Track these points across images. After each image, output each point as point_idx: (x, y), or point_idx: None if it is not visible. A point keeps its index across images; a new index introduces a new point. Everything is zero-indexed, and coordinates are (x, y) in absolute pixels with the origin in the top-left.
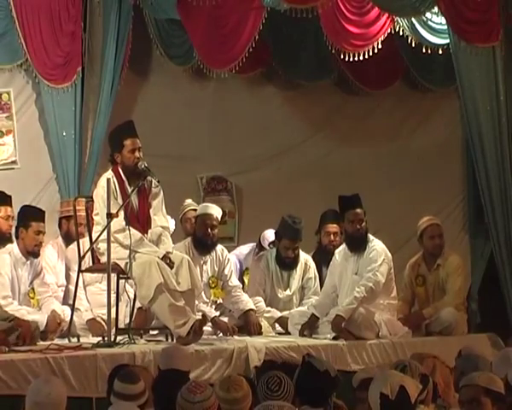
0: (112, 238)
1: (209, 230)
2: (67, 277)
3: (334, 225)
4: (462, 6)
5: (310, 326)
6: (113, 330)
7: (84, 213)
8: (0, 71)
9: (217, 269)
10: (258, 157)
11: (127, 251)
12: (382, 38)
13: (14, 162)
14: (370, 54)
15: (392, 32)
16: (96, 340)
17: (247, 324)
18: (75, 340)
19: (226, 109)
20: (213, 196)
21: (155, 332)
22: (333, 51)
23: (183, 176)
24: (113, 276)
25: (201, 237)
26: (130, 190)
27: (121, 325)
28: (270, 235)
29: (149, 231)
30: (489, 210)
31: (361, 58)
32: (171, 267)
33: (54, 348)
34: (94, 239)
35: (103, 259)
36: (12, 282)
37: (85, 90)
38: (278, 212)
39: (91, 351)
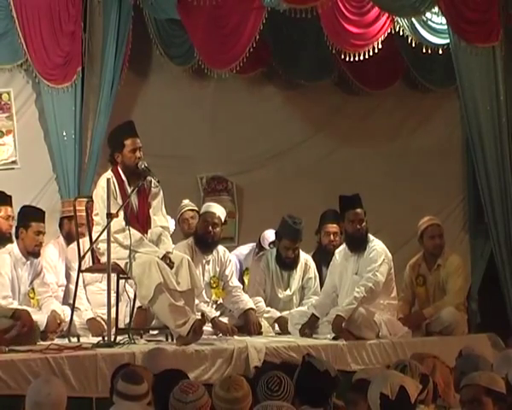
0: (112, 238)
1: (210, 227)
2: (68, 276)
3: (334, 225)
4: (462, 6)
5: (310, 326)
6: (113, 330)
7: (84, 214)
8: (0, 71)
9: (218, 269)
10: (259, 157)
11: (127, 251)
12: (382, 38)
13: (14, 162)
14: (371, 54)
15: (393, 32)
16: (96, 340)
17: (246, 323)
18: (75, 340)
19: (226, 109)
20: (213, 197)
21: (155, 332)
22: (333, 51)
23: (183, 176)
24: (113, 276)
25: (202, 235)
26: (129, 190)
27: (121, 325)
28: (269, 235)
29: (149, 231)
30: (489, 210)
31: (361, 58)
32: (171, 267)
33: (54, 348)
34: (94, 239)
35: (103, 259)
36: (12, 282)
37: (85, 90)
38: (278, 212)
39: (91, 351)
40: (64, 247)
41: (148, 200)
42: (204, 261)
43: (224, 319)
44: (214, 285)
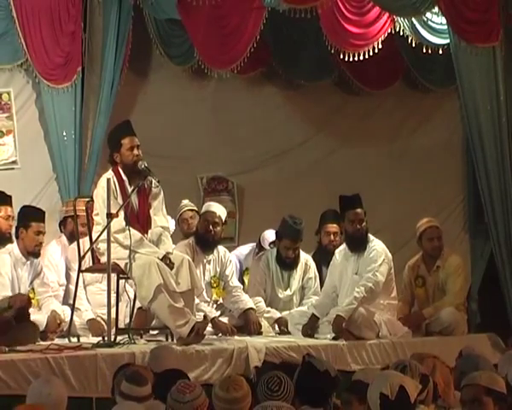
0: (112, 238)
1: (211, 227)
2: (68, 277)
3: (334, 225)
4: (462, 6)
5: (310, 326)
6: (113, 330)
7: (82, 214)
8: (0, 71)
9: (219, 269)
10: (259, 157)
11: (127, 251)
12: (382, 37)
13: (14, 162)
14: (371, 54)
15: (393, 32)
16: (96, 340)
17: (246, 323)
18: (75, 340)
19: (226, 109)
20: (214, 197)
21: (155, 332)
22: (333, 51)
23: (184, 176)
24: (113, 276)
25: (203, 235)
26: (130, 190)
27: (121, 325)
28: (269, 235)
29: (149, 231)
30: (489, 210)
31: (361, 58)
32: (172, 268)
33: (54, 348)
34: (94, 239)
35: (103, 259)
36: (12, 282)
37: (85, 90)
38: (279, 212)
39: (91, 351)
40: (66, 246)
41: (148, 200)
42: (205, 261)
43: (224, 319)
44: (215, 285)
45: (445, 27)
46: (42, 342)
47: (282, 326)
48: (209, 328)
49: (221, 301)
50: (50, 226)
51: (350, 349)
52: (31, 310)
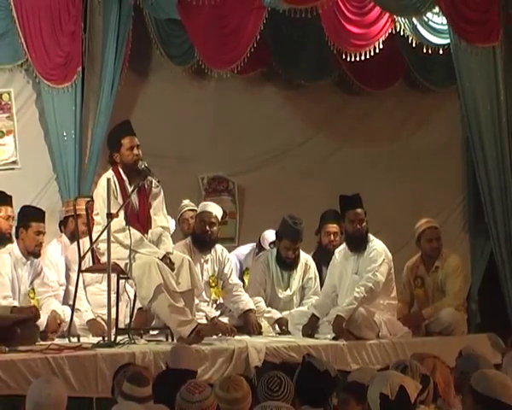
0: (112, 238)
1: (207, 227)
2: (67, 277)
3: (334, 225)
4: (463, 6)
5: (310, 326)
6: (114, 331)
7: (84, 213)
8: (0, 71)
9: (217, 269)
10: (259, 157)
11: (127, 251)
12: (383, 38)
13: (14, 162)
14: (371, 54)
15: (393, 32)
16: (96, 340)
17: (246, 324)
18: (75, 340)
19: (226, 109)
20: (214, 197)
21: (155, 332)
22: (334, 51)
23: (184, 176)
24: (113, 276)
25: (200, 235)
26: (130, 189)
27: (121, 325)
28: (269, 235)
29: (150, 231)
30: (489, 210)
31: (362, 58)
32: (172, 268)
33: (54, 348)
34: (94, 239)
35: (103, 259)
36: (12, 282)
37: (85, 90)
38: (279, 212)
39: (91, 351)
40: (67, 246)
41: (148, 200)
42: (202, 261)
43: (224, 319)
44: (213, 284)
45: (446, 27)
46: (42, 342)
47: (282, 326)
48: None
49: (221, 300)
50: (50, 226)
51: (350, 349)
52: None
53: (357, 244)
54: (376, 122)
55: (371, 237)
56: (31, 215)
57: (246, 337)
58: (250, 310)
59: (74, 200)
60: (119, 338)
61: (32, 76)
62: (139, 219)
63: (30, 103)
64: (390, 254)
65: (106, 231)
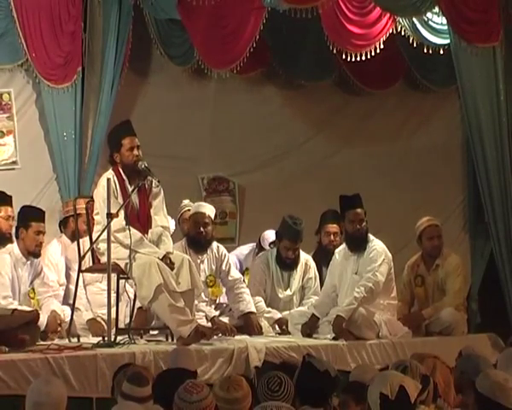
0: (112, 238)
1: (201, 228)
2: (68, 276)
3: (334, 225)
4: (463, 6)
5: (310, 326)
6: (113, 330)
7: (84, 212)
8: (0, 71)
9: (214, 267)
10: (259, 158)
11: (127, 251)
12: (384, 38)
13: (14, 163)
14: (372, 54)
15: (394, 32)
16: (96, 340)
17: (247, 326)
18: (75, 340)
19: (227, 109)
20: (215, 197)
21: (155, 332)
22: (334, 52)
23: (185, 176)
24: (113, 276)
25: (194, 236)
26: (130, 189)
27: (121, 325)
28: (269, 235)
29: (150, 230)
30: (489, 210)
31: (363, 58)
32: (172, 268)
33: (54, 348)
34: (94, 239)
35: (103, 259)
36: (12, 282)
37: (85, 90)
38: (279, 212)
39: (91, 351)
40: (67, 245)
41: (148, 199)
42: (199, 261)
43: (225, 319)
44: (211, 284)
45: (446, 27)
46: (42, 342)
47: (282, 327)
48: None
49: (221, 300)
50: (50, 226)
51: (350, 349)
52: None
53: (357, 244)
54: (376, 122)
55: (371, 237)
56: (31, 215)
57: (246, 337)
58: (250, 313)
59: (74, 200)
60: (119, 338)
61: (32, 76)
62: (139, 219)
63: (30, 103)
64: (390, 254)
65: (106, 231)
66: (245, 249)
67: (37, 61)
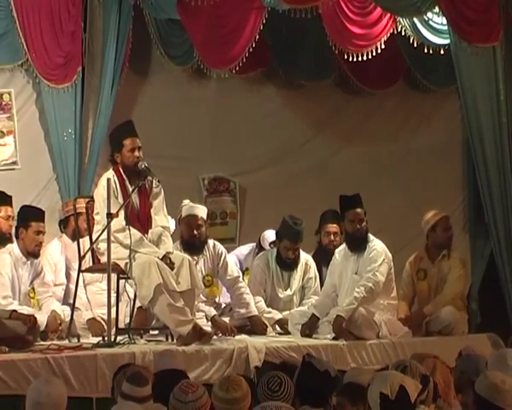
0: (112, 238)
1: (195, 231)
2: (68, 276)
3: (334, 225)
4: (463, 6)
5: (310, 326)
6: (113, 330)
7: (84, 211)
8: (1, 71)
9: (211, 266)
10: (260, 158)
11: (127, 251)
12: (385, 38)
13: (14, 163)
14: (374, 54)
15: (394, 32)
16: (96, 340)
17: (253, 328)
18: (75, 340)
19: (227, 109)
20: (215, 197)
21: (155, 332)
22: (336, 52)
23: (185, 177)
24: (113, 276)
25: (188, 239)
26: (131, 189)
27: (121, 325)
28: (270, 235)
29: (150, 230)
30: (489, 210)
31: (364, 58)
32: (172, 268)
33: (54, 348)
34: (94, 239)
35: (103, 259)
36: (12, 282)
37: (85, 90)
38: (280, 212)
39: (91, 351)
40: (67, 245)
41: (149, 199)
42: (194, 262)
43: (225, 319)
44: (208, 284)
45: (446, 27)
46: (42, 342)
47: (283, 327)
48: (209, 327)
49: (220, 300)
50: (50, 226)
51: (350, 349)
52: (31, 310)
53: (357, 244)
54: (376, 122)
55: (371, 237)
56: (31, 215)
57: (246, 337)
58: (253, 316)
59: (74, 200)
60: (119, 338)
61: (32, 76)
62: (139, 219)
63: (30, 103)
64: (390, 254)
65: (106, 231)
66: (245, 249)
67: (38, 61)
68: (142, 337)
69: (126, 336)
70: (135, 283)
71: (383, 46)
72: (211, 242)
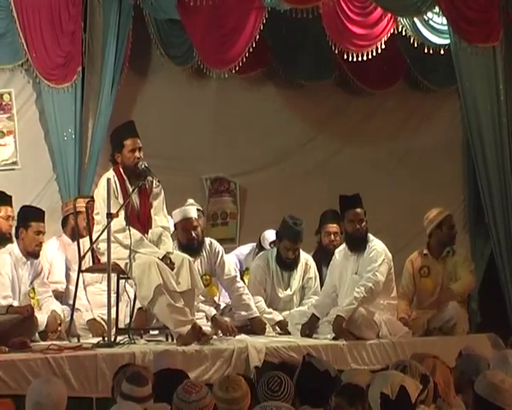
0: (112, 238)
1: (192, 233)
2: (67, 276)
3: (334, 225)
4: (463, 6)
5: (310, 326)
6: (114, 330)
7: (84, 210)
8: (1, 71)
9: (209, 265)
10: (260, 158)
11: (127, 251)
12: (385, 38)
13: (14, 163)
14: (374, 54)
15: (395, 32)
16: (96, 340)
17: (254, 329)
18: (75, 340)
19: (227, 109)
20: (216, 198)
21: (155, 332)
22: (336, 52)
23: (187, 177)
24: (113, 276)
25: (186, 243)
26: (131, 189)
27: (121, 325)
28: (270, 235)
29: (150, 231)
30: (489, 210)
31: (364, 58)
32: (172, 268)
33: (54, 348)
34: (94, 239)
35: (103, 259)
36: (12, 282)
37: (85, 90)
38: (280, 213)
39: (91, 351)
40: (67, 245)
41: (149, 200)
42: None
43: (226, 319)
44: (206, 283)
45: (446, 27)
46: (42, 342)
47: (283, 329)
48: (209, 327)
49: (220, 300)
50: (50, 226)
51: (350, 349)
52: None
53: (357, 244)
54: (377, 122)
55: (371, 236)
56: (31, 215)
57: (246, 337)
58: (255, 318)
59: (74, 200)
60: (119, 338)
61: (33, 76)
62: (139, 219)
63: (30, 103)
64: (390, 254)
65: (106, 231)
66: (245, 249)
67: (38, 61)
68: (142, 337)
69: (126, 336)
70: (135, 283)
71: (383, 46)
72: (207, 240)
